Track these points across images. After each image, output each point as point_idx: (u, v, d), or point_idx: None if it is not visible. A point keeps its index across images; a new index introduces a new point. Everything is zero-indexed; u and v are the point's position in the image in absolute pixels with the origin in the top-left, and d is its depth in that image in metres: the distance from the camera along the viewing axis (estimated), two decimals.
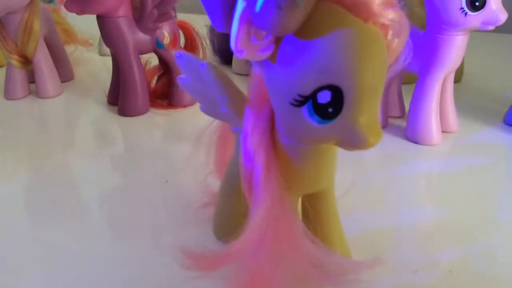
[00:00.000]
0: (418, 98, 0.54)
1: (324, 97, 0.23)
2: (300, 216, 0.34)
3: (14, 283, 0.35)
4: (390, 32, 0.25)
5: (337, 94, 0.23)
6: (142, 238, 0.39)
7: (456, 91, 0.58)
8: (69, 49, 0.81)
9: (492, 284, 0.35)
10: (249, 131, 0.28)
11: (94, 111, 0.66)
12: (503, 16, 0.47)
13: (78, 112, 0.67)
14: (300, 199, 0.34)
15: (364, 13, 0.23)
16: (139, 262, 0.36)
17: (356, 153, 0.48)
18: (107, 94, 0.67)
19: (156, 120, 0.63)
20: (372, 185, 0.47)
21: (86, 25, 0.73)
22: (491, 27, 0.48)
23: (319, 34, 0.23)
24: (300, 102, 0.24)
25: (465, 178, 0.49)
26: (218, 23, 0.25)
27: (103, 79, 0.73)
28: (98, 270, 0.36)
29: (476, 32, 0.51)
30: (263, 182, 0.28)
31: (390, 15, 0.24)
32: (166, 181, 0.47)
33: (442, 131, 0.56)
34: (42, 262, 0.37)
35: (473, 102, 0.67)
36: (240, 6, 0.22)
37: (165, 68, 0.66)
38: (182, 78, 0.32)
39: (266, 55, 0.24)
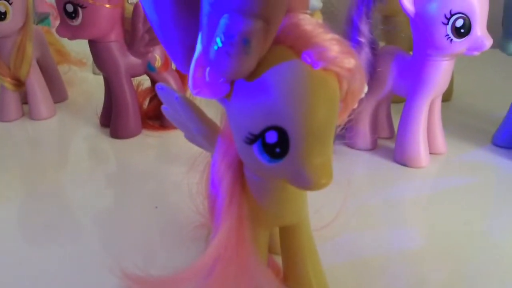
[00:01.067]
0: (405, 121, 0.54)
1: (271, 137, 0.24)
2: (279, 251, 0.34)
3: None
4: (348, 80, 0.25)
5: (283, 135, 0.23)
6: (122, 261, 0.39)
7: (445, 110, 0.59)
8: (63, 69, 0.81)
9: None
10: (218, 160, 0.29)
11: (86, 132, 0.67)
12: (488, 42, 0.48)
13: (70, 134, 0.68)
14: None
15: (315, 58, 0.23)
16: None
17: (344, 175, 0.48)
18: (99, 115, 0.68)
19: (148, 142, 0.63)
20: (360, 208, 0.47)
21: (80, 44, 0.73)
22: (477, 53, 0.49)
23: (263, 71, 0.23)
24: (251, 140, 0.24)
25: (453, 200, 0.49)
26: (179, 63, 0.27)
27: (96, 98, 0.73)
28: None
29: None
30: (224, 210, 0.28)
31: (348, 64, 0.24)
32: (156, 207, 0.48)
33: (430, 153, 0.56)
34: (32, 280, 0.37)
35: (462, 121, 0.68)
36: (197, 49, 0.24)
37: None
38: (164, 107, 0.34)
39: (221, 94, 0.25)
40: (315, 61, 0.23)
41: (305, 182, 0.24)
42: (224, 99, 0.26)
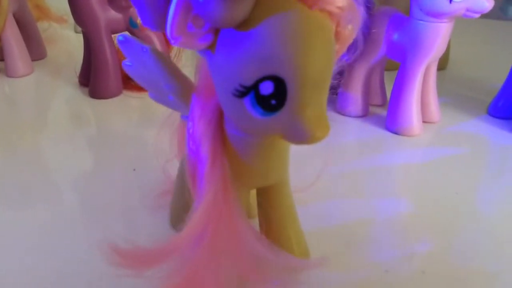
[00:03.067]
0: (399, 88, 0.52)
1: (267, 88, 0.22)
2: (256, 211, 0.33)
3: None
4: (341, 19, 0.23)
5: (280, 85, 0.22)
6: (98, 225, 0.38)
7: (440, 79, 0.57)
8: (43, 26, 0.78)
9: (464, 283, 0.33)
10: (195, 120, 0.27)
11: (65, 92, 0.64)
12: (488, 4, 0.45)
13: (48, 93, 0.65)
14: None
15: None
16: (84, 250, 0.35)
17: (333, 141, 0.47)
18: (78, 75, 0.65)
19: (128, 103, 0.61)
20: (348, 175, 0.46)
21: (61, 0, 0.70)
22: (477, 15, 0.46)
23: (259, 20, 0.21)
24: (242, 93, 0.22)
25: (444, 170, 0.47)
26: (146, 19, 0.23)
27: (77, 58, 0.70)
28: (43, 253, 0.34)
29: (462, 18, 0.48)
30: (207, 173, 0.26)
31: (338, 2, 0.22)
32: (134, 170, 0.45)
33: (424, 122, 0.54)
34: (10, 244, 0.36)
35: (457, 91, 0.66)
36: None
37: None
38: (126, 63, 0.30)
39: (204, 44, 0.23)
40: (310, 2, 0.22)
41: (301, 135, 0.23)
42: (207, 50, 0.23)
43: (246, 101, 0.23)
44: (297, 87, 0.22)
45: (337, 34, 0.24)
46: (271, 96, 0.22)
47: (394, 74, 0.54)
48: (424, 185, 0.45)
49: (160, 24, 0.23)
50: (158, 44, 0.61)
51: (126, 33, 0.49)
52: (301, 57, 0.21)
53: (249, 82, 0.22)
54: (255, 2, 0.21)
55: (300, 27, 0.21)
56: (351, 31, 0.24)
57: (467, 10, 0.46)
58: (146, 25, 0.24)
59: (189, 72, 0.31)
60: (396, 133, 0.53)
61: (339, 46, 0.25)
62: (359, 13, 0.24)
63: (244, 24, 0.22)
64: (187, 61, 0.60)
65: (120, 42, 0.29)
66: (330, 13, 0.23)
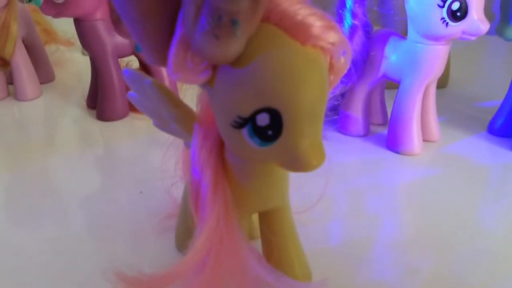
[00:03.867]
0: (399, 108, 0.53)
1: (263, 119, 0.23)
2: (258, 235, 0.34)
3: None
4: (334, 53, 0.24)
5: (276, 117, 0.23)
6: (104, 247, 0.39)
7: (441, 97, 0.57)
8: (50, 49, 0.80)
9: None
10: (197, 148, 0.28)
11: (73, 114, 0.65)
12: (484, 27, 0.46)
13: (56, 116, 0.66)
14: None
15: (302, 36, 0.23)
16: (86, 275, 0.36)
17: (335, 161, 0.47)
18: (86, 97, 0.66)
19: (135, 125, 0.62)
20: (348, 194, 0.47)
21: (68, 24, 0.71)
22: (473, 38, 0.47)
23: (253, 57, 0.22)
24: (240, 124, 0.24)
25: (444, 189, 0.48)
26: (149, 57, 0.25)
27: (84, 80, 0.72)
28: (51, 276, 0.35)
29: None
30: (209, 199, 0.27)
31: (330, 39, 0.23)
32: (140, 192, 0.46)
33: (424, 140, 0.55)
34: (16, 263, 0.37)
35: (457, 109, 0.66)
36: (178, 30, 0.22)
37: (146, 71, 0.64)
38: (131, 94, 0.32)
39: (203, 80, 0.24)
40: (302, 39, 0.23)
41: (298, 164, 0.24)
42: (206, 85, 0.25)
43: (244, 132, 0.24)
44: (292, 119, 0.23)
45: (330, 67, 0.25)
46: (267, 127, 0.23)
47: (394, 92, 0.55)
48: (424, 205, 0.45)
49: (162, 62, 0.24)
50: (164, 69, 0.63)
51: (131, 66, 0.50)
52: (295, 90, 0.22)
53: (246, 114, 0.23)
54: (248, 40, 0.22)
55: (292, 62, 0.22)
56: (344, 63, 0.25)
57: (463, 33, 0.47)
58: (150, 62, 0.25)
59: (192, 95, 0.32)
60: (397, 152, 0.54)
61: (333, 77, 0.26)
62: (350, 48, 0.25)
63: (239, 60, 0.23)
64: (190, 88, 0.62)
65: (125, 76, 0.31)
66: (322, 49, 0.24)
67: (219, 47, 0.22)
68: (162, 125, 0.32)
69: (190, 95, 0.32)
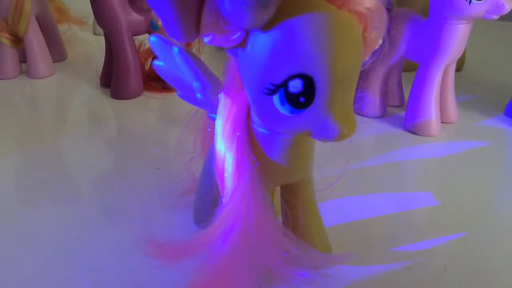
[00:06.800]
0: (417, 88, 0.52)
1: (296, 86, 0.23)
2: (279, 207, 0.34)
3: None
4: (368, 24, 0.24)
5: (309, 83, 0.22)
6: (121, 224, 0.39)
7: (457, 80, 0.57)
8: (63, 28, 0.79)
9: (486, 282, 0.34)
10: (224, 118, 0.28)
11: (86, 93, 0.65)
12: (508, 5, 0.46)
13: (70, 94, 0.66)
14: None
15: (338, 0, 0.22)
16: (111, 247, 0.36)
17: (352, 141, 0.47)
18: (99, 75, 0.66)
19: (149, 104, 0.61)
20: (367, 174, 0.46)
21: (81, 3, 0.71)
22: (496, 16, 0.47)
23: (288, 19, 0.22)
24: (272, 91, 0.23)
25: (462, 170, 0.47)
26: (171, 30, 0.24)
27: (97, 59, 0.71)
28: (68, 253, 0.35)
29: (479, 20, 0.49)
30: (235, 170, 0.27)
31: (367, 3, 0.23)
32: (158, 168, 0.46)
33: (442, 122, 0.54)
34: (32, 243, 0.36)
35: (474, 92, 0.66)
36: None
37: None
38: (156, 63, 0.31)
39: (235, 42, 0.24)
40: (339, 3, 0.22)
41: (329, 132, 0.23)
42: (237, 49, 0.24)
43: (276, 99, 0.23)
44: (325, 85, 0.22)
45: (363, 39, 0.24)
46: (300, 93, 0.23)
47: (411, 75, 0.54)
48: (443, 182, 0.45)
49: (186, 35, 0.24)
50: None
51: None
52: (330, 56, 0.22)
53: (278, 80, 0.23)
54: (279, 5, 0.22)
55: (329, 26, 0.22)
56: (377, 36, 0.25)
57: (486, 11, 0.46)
58: (171, 36, 0.24)
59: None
60: (414, 132, 0.54)
61: (364, 50, 0.25)
62: (386, 18, 0.25)
63: (272, 23, 0.22)
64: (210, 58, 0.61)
65: (152, 42, 0.30)
66: (358, 14, 0.23)
67: (247, 17, 0.21)
68: (187, 95, 0.32)
69: (210, 65, 0.31)
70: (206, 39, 0.24)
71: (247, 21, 0.22)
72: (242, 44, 0.24)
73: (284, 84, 0.23)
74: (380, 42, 0.26)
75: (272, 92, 0.23)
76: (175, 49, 0.28)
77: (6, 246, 0.36)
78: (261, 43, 0.23)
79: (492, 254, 0.36)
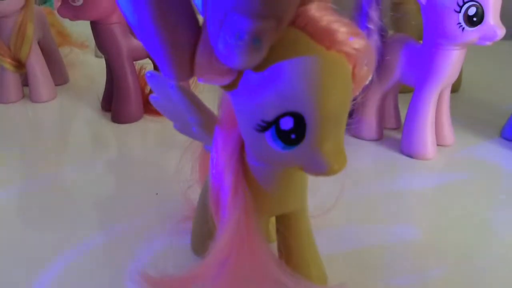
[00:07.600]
0: (413, 112, 0.53)
1: (287, 123, 0.23)
2: (275, 238, 0.34)
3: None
4: (357, 62, 0.24)
5: (299, 121, 0.23)
6: (119, 250, 0.39)
7: (453, 101, 0.57)
8: (64, 51, 0.80)
9: None
10: (218, 152, 0.28)
11: (87, 116, 0.66)
12: (500, 32, 0.46)
13: (71, 117, 0.67)
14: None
15: (326, 41, 0.23)
16: (104, 278, 0.36)
17: (349, 165, 0.48)
18: (100, 100, 0.67)
19: (149, 127, 0.62)
20: (363, 199, 0.47)
21: (82, 27, 0.72)
22: (489, 43, 0.47)
23: (279, 60, 0.23)
24: (263, 127, 0.24)
25: (458, 193, 0.48)
26: (165, 69, 0.25)
27: (98, 82, 0.72)
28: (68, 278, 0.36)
29: None
30: (230, 203, 0.28)
31: (355, 44, 0.24)
32: (156, 194, 0.47)
33: (437, 145, 0.55)
34: (29, 266, 0.37)
35: (470, 113, 0.66)
36: (204, 33, 0.23)
37: None
38: (153, 96, 0.32)
39: (228, 81, 0.24)
40: (327, 44, 0.23)
41: (320, 168, 0.24)
42: (230, 87, 0.25)
43: (267, 135, 0.24)
44: (316, 123, 0.23)
45: (353, 76, 0.25)
46: (291, 131, 0.23)
47: (408, 96, 0.55)
48: (438, 210, 0.45)
49: (181, 76, 0.24)
50: None
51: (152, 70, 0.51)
52: (320, 95, 0.23)
53: (270, 117, 0.23)
54: (272, 45, 0.23)
55: (317, 68, 0.23)
56: (367, 72, 0.26)
57: (480, 38, 0.47)
58: (165, 75, 0.25)
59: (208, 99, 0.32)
60: (410, 156, 0.54)
61: (354, 86, 0.26)
62: (374, 55, 0.25)
63: (264, 64, 0.23)
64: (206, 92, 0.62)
65: (148, 78, 0.31)
66: (346, 54, 0.24)
67: (240, 59, 0.22)
68: (183, 128, 0.33)
69: (206, 99, 0.32)
70: (199, 78, 0.24)
71: (239, 62, 0.22)
72: (235, 82, 0.25)
73: (276, 121, 0.23)
74: (370, 77, 0.27)
75: (264, 129, 0.24)
76: (171, 86, 0.29)
77: (9, 270, 0.37)
78: (252, 82, 0.24)
79: (486, 282, 0.36)
